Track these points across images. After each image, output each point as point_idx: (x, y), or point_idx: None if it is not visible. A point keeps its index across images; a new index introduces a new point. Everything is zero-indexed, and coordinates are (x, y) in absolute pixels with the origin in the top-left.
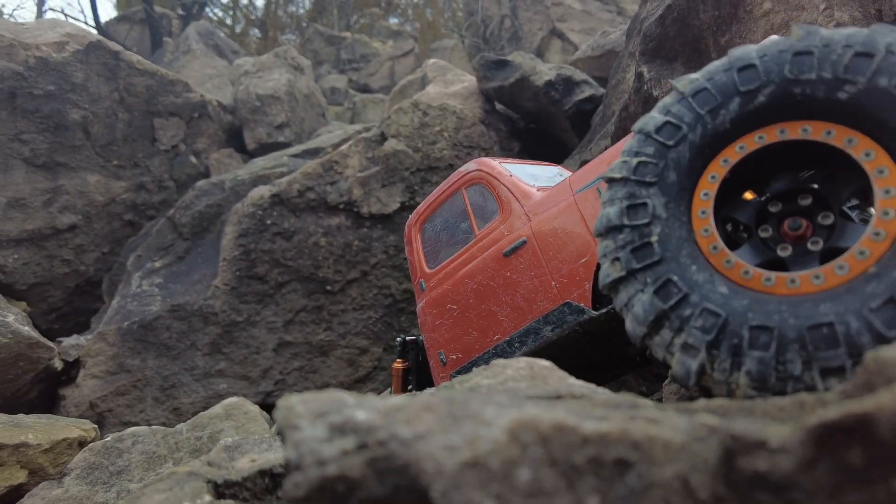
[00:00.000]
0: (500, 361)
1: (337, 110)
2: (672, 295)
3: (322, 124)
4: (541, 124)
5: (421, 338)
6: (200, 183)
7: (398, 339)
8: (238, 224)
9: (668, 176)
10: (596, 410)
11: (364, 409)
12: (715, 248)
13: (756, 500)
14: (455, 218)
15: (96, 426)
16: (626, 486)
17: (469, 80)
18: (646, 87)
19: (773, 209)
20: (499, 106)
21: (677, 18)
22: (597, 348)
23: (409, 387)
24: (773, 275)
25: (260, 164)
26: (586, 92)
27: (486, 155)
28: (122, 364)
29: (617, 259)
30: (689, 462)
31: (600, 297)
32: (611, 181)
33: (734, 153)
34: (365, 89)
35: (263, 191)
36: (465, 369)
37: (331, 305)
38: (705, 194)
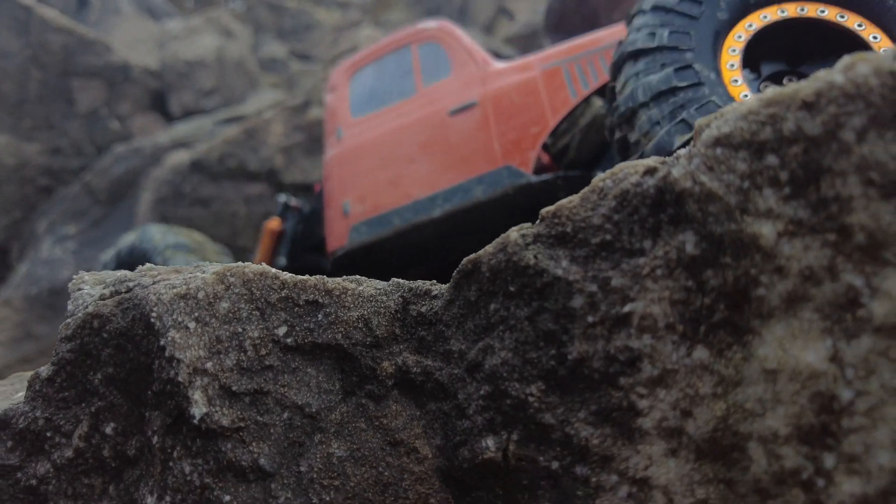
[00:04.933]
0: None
1: (273, 80)
2: (688, 78)
3: (253, 92)
4: None
5: (306, 207)
6: (119, 148)
7: (280, 197)
8: (155, 190)
9: (699, 37)
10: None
11: (127, 272)
12: (735, 80)
13: (418, 335)
14: (396, 71)
15: None
16: (314, 320)
17: None
18: None
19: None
20: None
21: None
22: (519, 221)
23: (279, 256)
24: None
25: (182, 129)
26: None
27: None
28: (28, 331)
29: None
30: (373, 308)
31: (541, 170)
32: (638, 53)
33: (758, 20)
34: (307, 59)
35: (182, 157)
36: (373, 222)
37: None
38: (733, 50)
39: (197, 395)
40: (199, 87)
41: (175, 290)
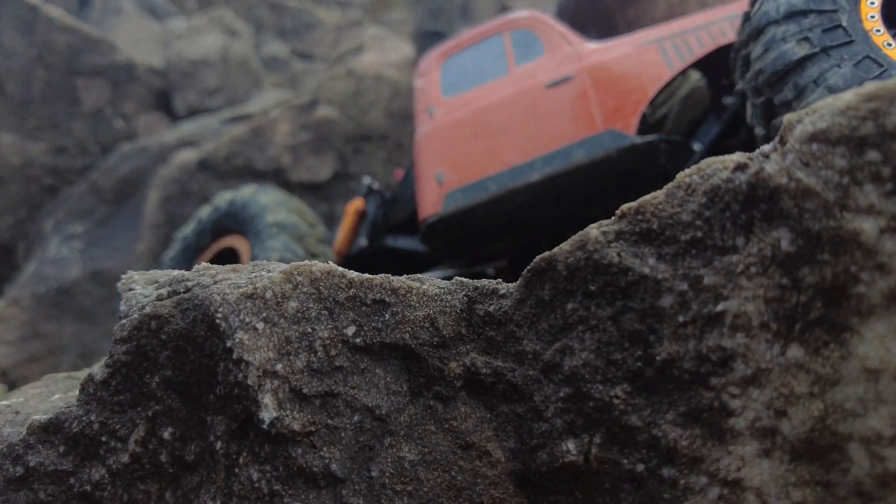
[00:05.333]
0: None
1: (276, 79)
2: (839, 38)
3: (257, 92)
4: None
5: (388, 192)
6: (124, 147)
7: (365, 179)
8: (162, 189)
9: None
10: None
11: (186, 272)
12: (878, 31)
13: (486, 335)
14: (488, 56)
15: (5, 386)
16: (381, 320)
17: (408, 51)
18: None
19: None
20: None
21: None
22: (617, 187)
23: (360, 236)
24: None
25: (188, 128)
26: None
27: None
28: (36, 330)
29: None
30: (438, 307)
31: (645, 131)
32: None
33: None
34: (309, 58)
35: (189, 155)
36: (469, 188)
37: None
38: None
39: (267, 399)
40: (204, 87)
41: (241, 290)
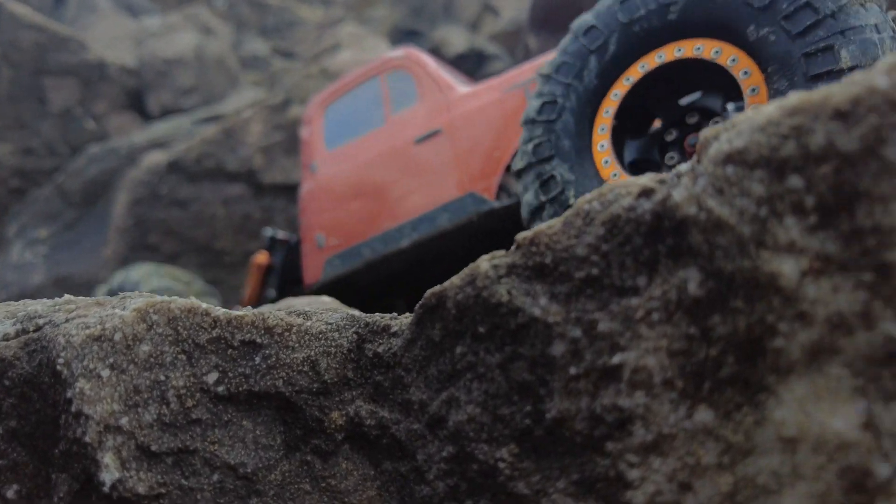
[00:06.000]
0: (291, 299)
1: (255, 77)
2: (552, 188)
3: (234, 91)
4: None
5: (294, 238)
6: (93, 148)
7: (267, 231)
8: (131, 191)
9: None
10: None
11: (43, 304)
12: (606, 161)
13: (374, 380)
14: (367, 102)
15: None
16: (251, 365)
17: (384, 49)
18: (532, 58)
19: (669, 137)
20: None
21: None
22: (491, 246)
23: (269, 288)
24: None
25: (159, 129)
26: (497, 65)
27: None
28: None
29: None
30: (322, 347)
31: (506, 193)
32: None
33: (622, 86)
34: (291, 56)
35: (159, 157)
36: (346, 255)
37: (228, 278)
38: (606, 111)
39: (108, 458)
40: (178, 86)
41: (88, 332)
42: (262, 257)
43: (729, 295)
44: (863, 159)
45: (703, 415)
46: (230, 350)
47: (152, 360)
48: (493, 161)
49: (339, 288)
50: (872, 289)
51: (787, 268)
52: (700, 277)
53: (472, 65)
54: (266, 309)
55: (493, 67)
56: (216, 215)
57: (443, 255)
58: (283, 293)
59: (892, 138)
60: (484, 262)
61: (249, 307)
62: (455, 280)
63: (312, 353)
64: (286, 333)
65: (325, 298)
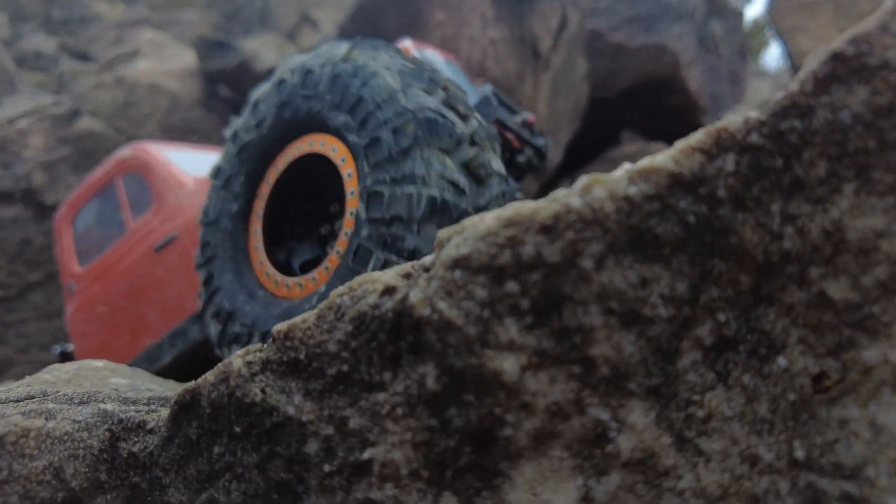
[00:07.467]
0: (56, 366)
1: (39, 78)
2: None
3: (10, 93)
4: None
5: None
6: None
7: (56, 348)
8: None
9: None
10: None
11: None
12: (268, 274)
13: (130, 482)
14: (110, 209)
15: None
16: None
17: (190, 60)
18: None
19: (325, 231)
20: (225, 89)
21: (368, 19)
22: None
23: None
24: (290, 280)
25: None
26: None
27: (206, 141)
28: None
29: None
30: (68, 451)
31: None
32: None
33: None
34: (84, 57)
35: None
36: None
37: (6, 314)
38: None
39: None
40: None
41: None
42: None
43: (461, 390)
44: (565, 268)
45: (448, 501)
46: None
47: None
48: None
49: None
50: (581, 379)
51: (507, 364)
52: (436, 373)
53: None
54: (7, 410)
55: None
56: None
57: (209, 361)
58: None
59: (586, 251)
60: (237, 359)
61: None
62: (209, 377)
63: (55, 458)
64: (21, 441)
65: (98, 363)
